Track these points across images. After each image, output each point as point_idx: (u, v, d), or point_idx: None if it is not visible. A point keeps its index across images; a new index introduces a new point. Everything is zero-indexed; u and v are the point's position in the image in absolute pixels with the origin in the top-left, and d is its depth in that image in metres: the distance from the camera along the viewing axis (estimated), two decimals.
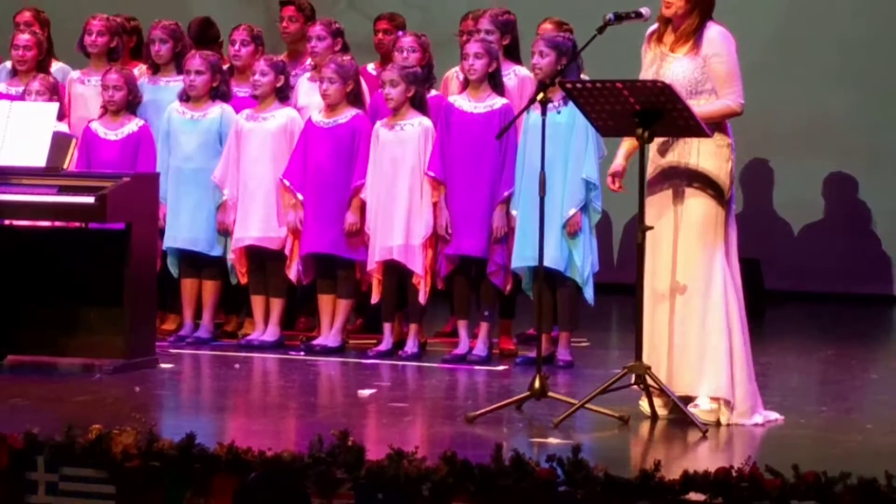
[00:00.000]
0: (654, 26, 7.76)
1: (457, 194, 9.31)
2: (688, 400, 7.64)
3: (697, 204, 7.65)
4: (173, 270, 9.85)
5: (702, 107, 7.55)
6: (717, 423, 7.58)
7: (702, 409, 7.62)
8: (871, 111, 12.39)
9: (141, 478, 6.46)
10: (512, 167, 9.19)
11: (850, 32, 12.37)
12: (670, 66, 7.65)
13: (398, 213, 9.36)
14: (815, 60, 12.26)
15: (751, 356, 7.75)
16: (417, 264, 9.33)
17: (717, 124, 7.63)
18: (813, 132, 12.12)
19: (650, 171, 7.74)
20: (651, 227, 7.61)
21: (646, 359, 7.62)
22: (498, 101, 9.25)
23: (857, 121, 12.39)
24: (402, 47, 9.67)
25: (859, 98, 12.38)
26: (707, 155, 7.65)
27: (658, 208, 7.71)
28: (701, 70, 7.62)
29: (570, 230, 9.04)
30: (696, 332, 7.63)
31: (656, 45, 7.74)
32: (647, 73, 7.72)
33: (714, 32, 7.65)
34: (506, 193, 9.22)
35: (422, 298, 9.39)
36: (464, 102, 9.36)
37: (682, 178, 7.67)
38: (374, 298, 9.49)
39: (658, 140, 7.67)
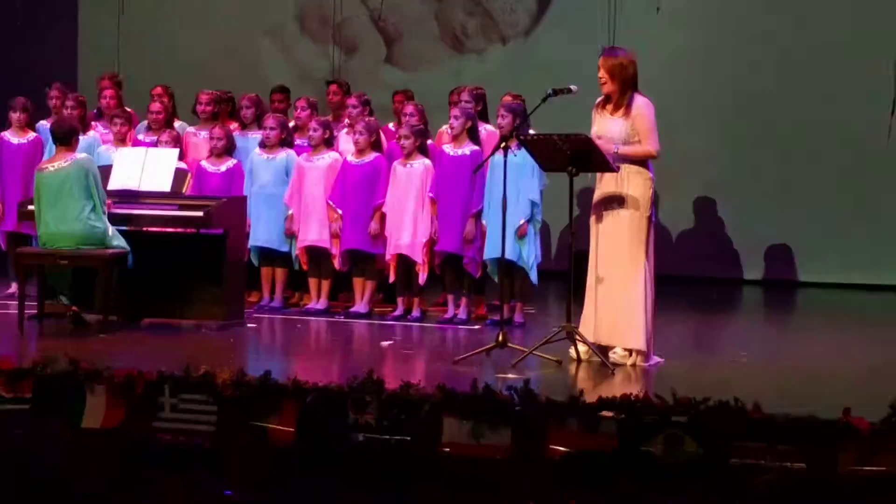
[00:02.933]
0: (601, 98, 7.77)
1: (442, 210, 9.30)
2: (605, 348, 7.67)
3: (629, 217, 7.65)
4: (254, 261, 9.85)
5: (633, 148, 7.58)
6: (632, 366, 7.60)
7: (619, 355, 7.65)
8: (729, 156, 12.33)
9: (235, 401, 6.47)
10: (480, 192, 9.18)
11: (719, 98, 12.31)
12: (610, 125, 7.67)
13: (407, 222, 9.35)
14: (690, 116, 12.17)
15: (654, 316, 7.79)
16: (419, 257, 9.34)
17: (642, 163, 7.65)
18: (677, 166, 11.99)
19: (596, 195, 7.76)
20: (575, 232, 7.65)
21: (589, 318, 7.67)
22: (469, 148, 9.25)
23: (711, 157, 12.33)
24: (405, 113, 9.69)
25: (720, 147, 12.33)
26: (636, 185, 7.66)
27: (603, 219, 7.72)
28: (630, 127, 7.63)
29: (521, 234, 9.05)
30: (626, 301, 7.62)
31: (602, 110, 7.76)
32: (594, 128, 7.72)
33: (640, 102, 7.66)
34: (474, 210, 9.21)
35: (421, 280, 9.40)
36: (449, 149, 9.37)
37: (620, 201, 7.66)
38: (391, 279, 9.51)
39: (603, 175, 7.67)
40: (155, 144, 9.68)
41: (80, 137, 9.03)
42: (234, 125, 10.30)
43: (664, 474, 5.91)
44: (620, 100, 7.64)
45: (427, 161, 9.40)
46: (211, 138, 9.75)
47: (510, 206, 8.41)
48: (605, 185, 7.71)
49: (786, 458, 5.79)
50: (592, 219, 7.77)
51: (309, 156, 9.73)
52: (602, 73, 7.65)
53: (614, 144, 7.56)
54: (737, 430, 5.91)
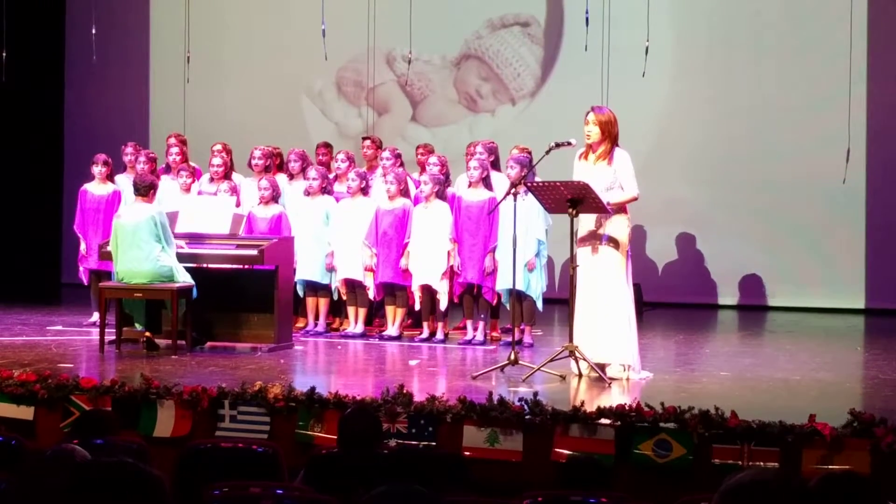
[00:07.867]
0: (583, 149, 7.79)
1: (463, 248, 9.30)
2: (602, 365, 7.64)
3: (611, 252, 7.68)
4: (301, 292, 9.85)
5: (618, 196, 7.63)
6: (626, 379, 7.57)
7: (614, 369, 7.63)
8: (706, 196, 12.35)
9: (285, 412, 6.48)
10: (495, 231, 9.20)
11: (697, 147, 12.36)
12: (593, 173, 7.68)
13: (428, 258, 9.34)
14: (673, 163, 12.23)
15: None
16: (439, 286, 9.32)
17: (621, 207, 7.69)
18: (662, 206, 12.03)
19: (581, 233, 7.75)
20: (578, 266, 7.63)
21: (580, 338, 7.63)
22: (485, 195, 9.25)
23: (691, 198, 12.34)
24: (429, 163, 9.69)
25: (699, 189, 12.35)
26: (615, 225, 7.69)
27: (588, 254, 7.73)
28: (613, 175, 7.66)
29: (529, 267, 9.03)
30: (613, 322, 7.62)
31: (584, 160, 7.78)
32: (577, 175, 7.73)
33: (620, 153, 7.71)
34: (491, 246, 9.21)
35: (442, 307, 9.37)
36: (466, 195, 9.38)
37: (601, 238, 7.69)
38: (416, 307, 9.50)
39: (588, 216, 7.68)
40: (216, 194, 9.71)
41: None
42: (281, 175, 10.29)
43: (655, 473, 5.89)
44: (605, 150, 7.67)
45: (444, 205, 9.40)
46: (260, 188, 9.75)
47: (520, 244, 8.41)
48: (591, 223, 7.72)
49: (760, 458, 5.78)
50: (579, 253, 7.76)
51: (347, 202, 9.74)
52: (593, 126, 7.67)
53: (605, 193, 7.57)
54: (717, 435, 5.89)
